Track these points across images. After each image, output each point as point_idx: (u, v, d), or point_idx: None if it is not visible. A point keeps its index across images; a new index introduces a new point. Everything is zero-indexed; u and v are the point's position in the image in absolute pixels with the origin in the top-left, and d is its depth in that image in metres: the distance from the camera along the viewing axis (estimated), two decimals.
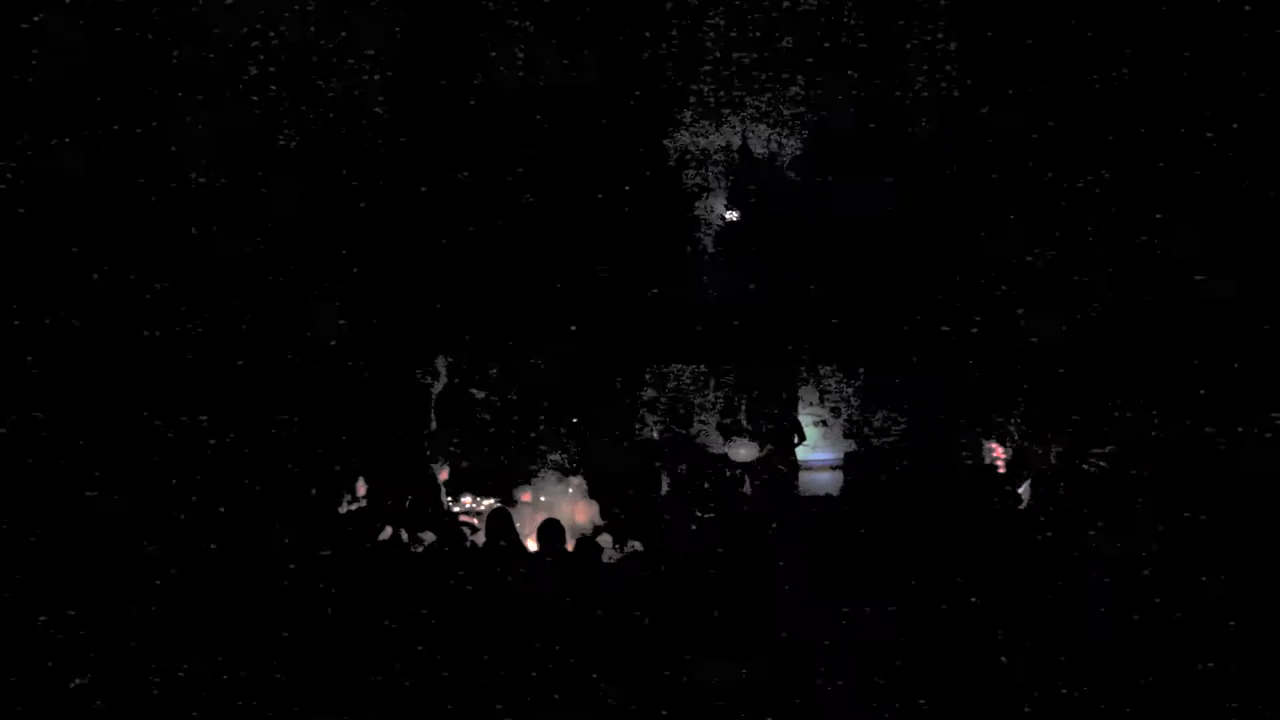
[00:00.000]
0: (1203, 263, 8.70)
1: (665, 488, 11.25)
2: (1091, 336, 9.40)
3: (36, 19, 8.46)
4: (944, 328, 10.24)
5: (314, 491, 9.42)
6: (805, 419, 11.61)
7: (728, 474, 11.33)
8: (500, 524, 7.96)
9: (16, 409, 8.10)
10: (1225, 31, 8.68)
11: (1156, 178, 8.94)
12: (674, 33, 10.79)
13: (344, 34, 9.67)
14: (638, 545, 9.14)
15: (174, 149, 9.08)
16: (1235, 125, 8.62)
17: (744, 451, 11.39)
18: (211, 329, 8.94)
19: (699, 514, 9.43)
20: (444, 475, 10.68)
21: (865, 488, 10.49)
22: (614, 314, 10.94)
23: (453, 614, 7.07)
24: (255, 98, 9.43)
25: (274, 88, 9.54)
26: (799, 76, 10.95)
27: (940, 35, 10.21)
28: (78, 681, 6.57)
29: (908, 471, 10.36)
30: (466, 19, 10.32)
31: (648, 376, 11.77)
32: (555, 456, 11.21)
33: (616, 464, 11.06)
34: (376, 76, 9.82)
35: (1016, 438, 10.59)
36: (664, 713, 6.53)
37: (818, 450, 11.63)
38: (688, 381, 11.80)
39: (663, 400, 11.76)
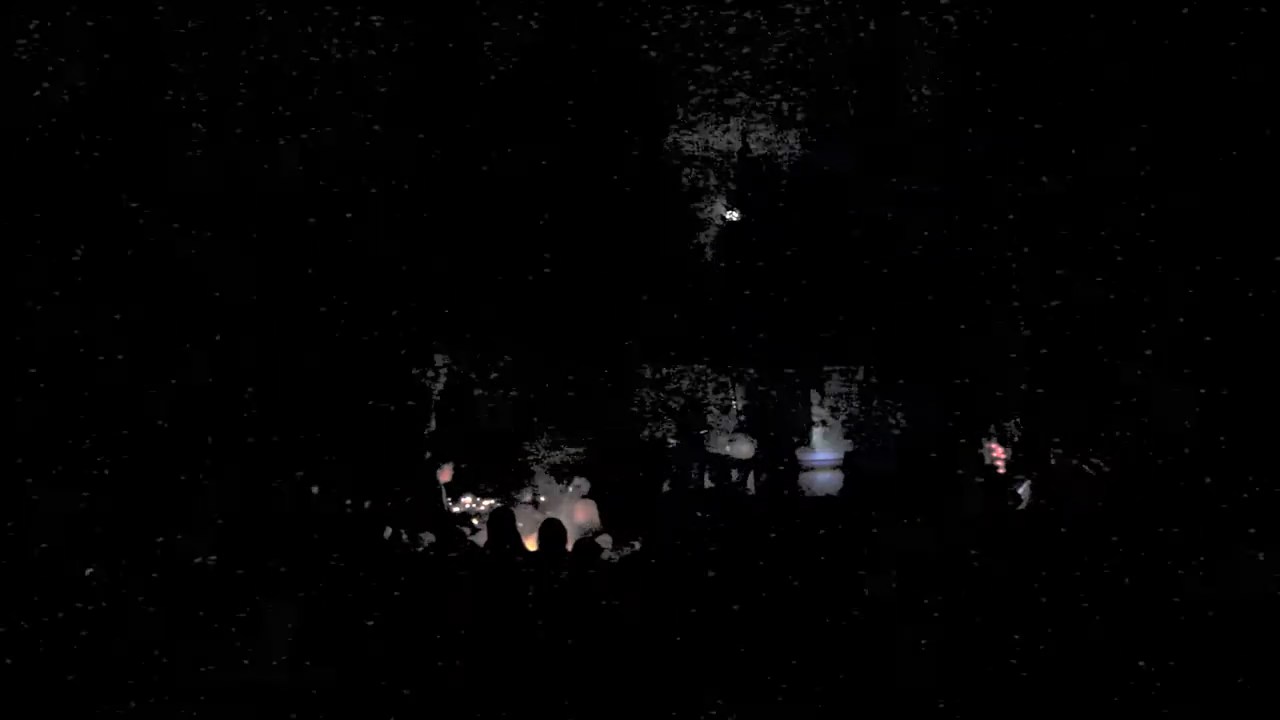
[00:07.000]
0: (1202, 263, 8.72)
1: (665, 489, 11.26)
2: (1091, 337, 9.41)
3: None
4: (944, 328, 10.25)
5: (314, 490, 9.43)
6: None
7: (733, 475, 11.35)
8: (501, 524, 7.97)
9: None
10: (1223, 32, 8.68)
11: (1155, 178, 8.95)
12: (674, 32, 10.80)
13: (341, 32, 9.68)
14: (637, 545, 9.15)
15: (169, 147, 9.10)
16: (1234, 126, 8.62)
17: (745, 449, 11.41)
18: (211, 329, 8.96)
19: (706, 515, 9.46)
20: (446, 475, 10.67)
21: (865, 488, 10.50)
22: (614, 314, 10.94)
23: (453, 614, 7.08)
24: (252, 96, 9.44)
25: (275, 84, 9.56)
26: (800, 77, 10.96)
27: (940, 37, 10.21)
28: None
29: (907, 472, 10.36)
30: (464, 18, 10.33)
31: (648, 377, 11.77)
32: (556, 457, 11.22)
33: (617, 465, 11.07)
34: (374, 76, 9.83)
35: (1017, 438, 10.59)
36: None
37: (818, 450, 11.63)
38: (688, 382, 11.80)
39: (665, 400, 11.76)
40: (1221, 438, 8.25)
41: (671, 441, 11.52)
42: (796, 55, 10.80)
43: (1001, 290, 9.92)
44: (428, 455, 10.71)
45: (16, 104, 8.68)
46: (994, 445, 10.74)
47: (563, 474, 10.99)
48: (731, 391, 11.80)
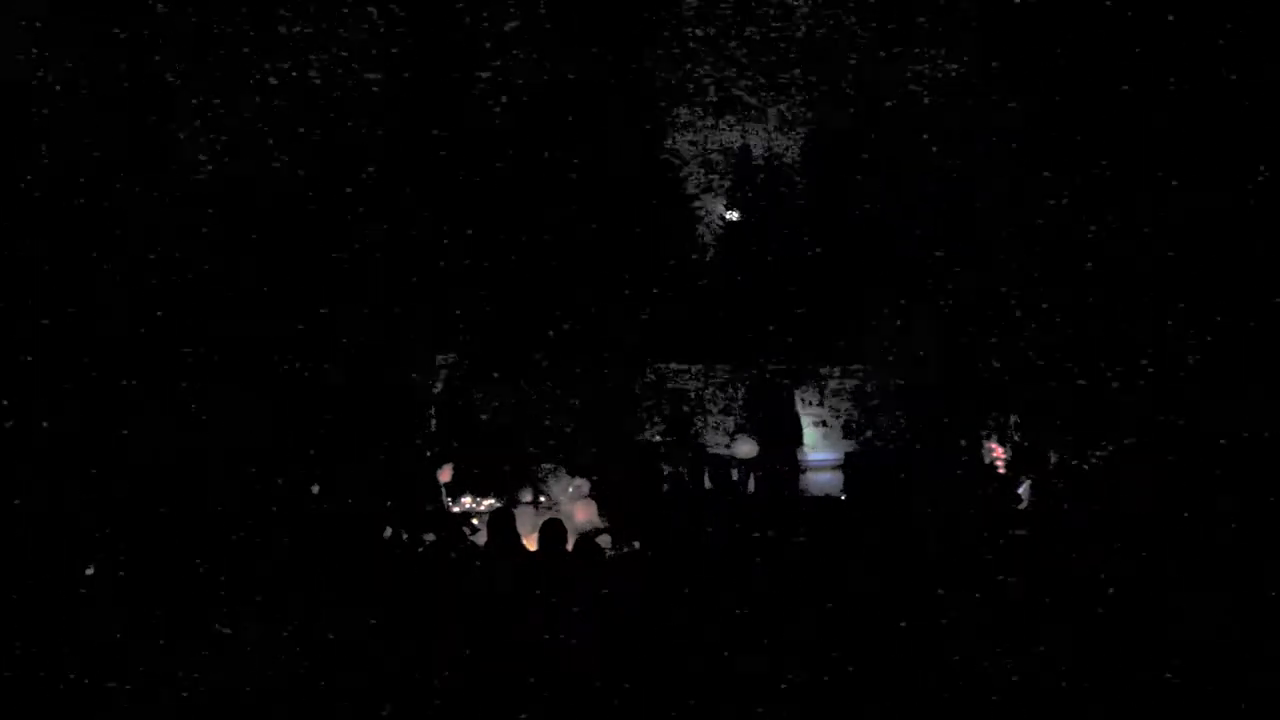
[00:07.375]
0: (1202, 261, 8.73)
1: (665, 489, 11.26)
2: (1091, 336, 9.41)
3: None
4: (943, 327, 10.25)
5: (314, 490, 9.44)
6: (805, 419, 11.63)
7: (734, 475, 11.36)
8: (501, 524, 7.97)
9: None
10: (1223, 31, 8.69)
11: (1154, 176, 8.96)
12: (673, 32, 10.81)
13: (341, 34, 9.69)
14: (637, 545, 9.17)
15: (171, 145, 9.11)
16: (1233, 124, 8.63)
17: (746, 449, 11.42)
18: (212, 328, 8.97)
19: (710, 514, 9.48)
20: (445, 476, 10.68)
21: (865, 487, 10.51)
22: (613, 314, 10.94)
23: (453, 614, 7.09)
24: (254, 97, 9.45)
25: (274, 84, 9.57)
26: (799, 77, 10.96)
27: (939, 34, 10.22)
28: None
29: (907, 472, 10.36)
30: (464, 18, 10.33)
31: (649, 377, 11.77)
32: (556, 456, 11.22)
33: (617, 465, 11.07)
34: (374, 77, 9.84)
35: (1016, 438, 10.59)
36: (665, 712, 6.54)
37: (818, 450, 11.64)
38: (687, 382, 11.80)
39: (665, 401, 11.76)
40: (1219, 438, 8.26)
41: (659, 439, 11.54)
42: (797, 53, 10.81)
43: (1001, 290, 9.92)
44: (428, 455, 10.72)
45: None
46: (994, 445, 10.75)
47: (563, 474, 10.99)
48: (732, 392, 11.81)
